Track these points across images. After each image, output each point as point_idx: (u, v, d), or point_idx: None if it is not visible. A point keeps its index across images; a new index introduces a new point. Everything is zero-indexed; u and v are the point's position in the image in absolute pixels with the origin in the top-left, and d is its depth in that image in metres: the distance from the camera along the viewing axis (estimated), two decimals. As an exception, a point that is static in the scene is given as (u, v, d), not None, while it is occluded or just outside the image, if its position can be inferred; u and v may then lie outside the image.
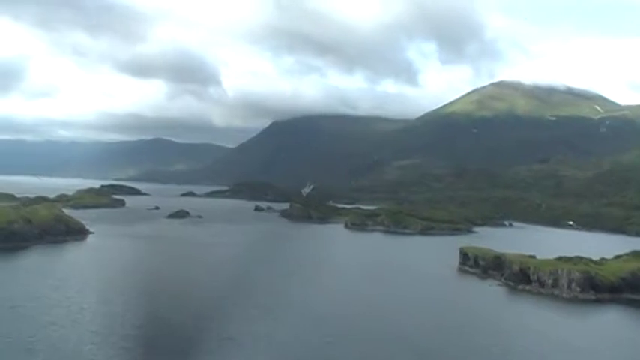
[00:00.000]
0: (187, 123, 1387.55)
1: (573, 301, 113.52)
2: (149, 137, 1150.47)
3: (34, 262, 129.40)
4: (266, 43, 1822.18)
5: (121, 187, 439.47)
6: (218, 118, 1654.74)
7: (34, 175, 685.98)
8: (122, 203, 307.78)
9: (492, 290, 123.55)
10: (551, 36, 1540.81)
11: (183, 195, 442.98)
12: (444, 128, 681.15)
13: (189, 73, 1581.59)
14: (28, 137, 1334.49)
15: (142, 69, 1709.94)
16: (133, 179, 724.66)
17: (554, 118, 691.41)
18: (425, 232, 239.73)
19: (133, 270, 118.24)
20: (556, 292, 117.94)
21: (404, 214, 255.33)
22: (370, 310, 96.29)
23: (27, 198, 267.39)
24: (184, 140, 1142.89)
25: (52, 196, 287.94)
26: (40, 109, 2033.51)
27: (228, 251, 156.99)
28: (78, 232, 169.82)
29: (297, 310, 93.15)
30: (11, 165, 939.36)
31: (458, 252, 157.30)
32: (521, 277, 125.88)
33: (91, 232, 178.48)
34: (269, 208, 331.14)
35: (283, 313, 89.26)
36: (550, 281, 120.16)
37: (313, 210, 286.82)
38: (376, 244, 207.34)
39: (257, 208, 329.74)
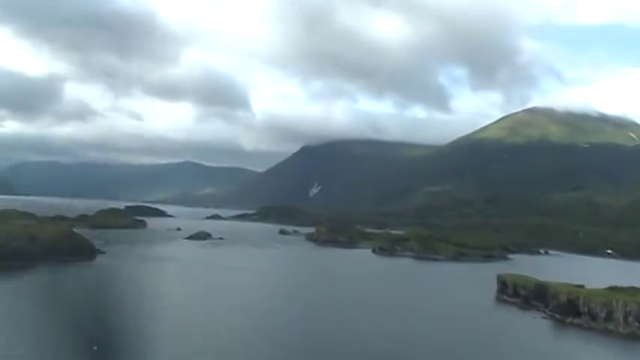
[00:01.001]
0: (217, 146, 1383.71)
1: (632, 337, 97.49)
2: (179, 160, 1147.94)
3: (25, 283, 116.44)
4: (295, 66, 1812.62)
5: (146, 208, 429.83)
6: (247, 141, 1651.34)
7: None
8: (143, 224, 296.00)
9: (537, 323, 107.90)
10: (584, 63, 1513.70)
11: (209, 217, 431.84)
12: (474, 154, 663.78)
13: (218, 96, 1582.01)
14: (61, 159, 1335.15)
15: (171, 92, 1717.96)
16: (162, 202, 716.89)
17: (587, 146, 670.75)
18: (456, 258, 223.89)
19: (131, 296, 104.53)
20: (610, 326, 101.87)
21: (434, 239, 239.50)
22: (405, 347, 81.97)
23: (46, 217, 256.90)
24: (214, 164, 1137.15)
25: (73, 216, 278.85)
26: (72, 131, 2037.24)
27: (242, 276, 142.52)
28: (86, 252, 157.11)
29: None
30: (45, 186, 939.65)
31: (494, 280, 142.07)
32: (568, 308, 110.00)
33: (102, 253, 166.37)
34: (295, 232, 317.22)
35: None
36: (603, 314, 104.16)
37: (340, 234, 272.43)
38: (406, 270, 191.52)
39: (282, 232, 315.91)
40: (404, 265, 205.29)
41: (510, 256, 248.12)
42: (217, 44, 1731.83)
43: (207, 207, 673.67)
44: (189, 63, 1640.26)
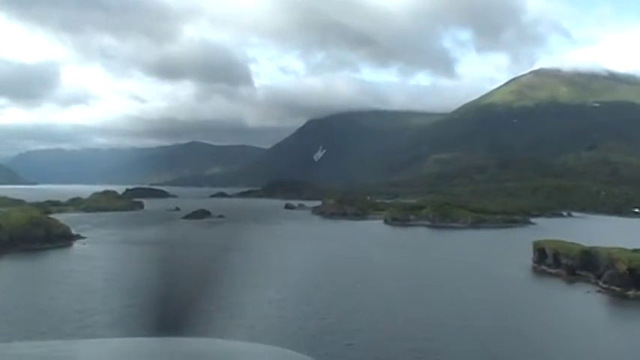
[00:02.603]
0: (221, 125, 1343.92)
1: None
2: (185, 141, 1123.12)
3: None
4: (295, 38, 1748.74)
5: (147, 189, 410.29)
6: (251, 118, 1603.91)
7: None
8: (140, 205, 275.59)
9: (591, 299, 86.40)
10: (590, 20, 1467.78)
11: (213, 196, 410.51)
12: (483, 120, 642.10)
13: (219, 72, 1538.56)
14: (66, 146, 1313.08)
15: (171, 70, 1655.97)
16: (169, 184, 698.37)
17: (597, 105, 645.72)
18: (476, 225, 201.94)
19: (93, 288, 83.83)
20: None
21: (451, 206, 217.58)
22: (434, 343, 60.67)
23: (35, 203, 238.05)
24: (220, 142, 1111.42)
25: (65, 200, 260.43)
26: (75, 117, 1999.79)
27: (236, 257, 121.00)
28: (61, 238, 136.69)
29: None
30: (52, 174, 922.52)
31: (524, 247, 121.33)
32: (629, 279, 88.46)
33: (82, 238, 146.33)
34: (301, 205, 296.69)
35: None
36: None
37: (348, 205, 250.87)
38: (423, 240, 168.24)
39: (288, 206, 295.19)
40: (420, 234, 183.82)
41: (533, 220, 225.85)
42: (215, 19, 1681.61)
43: (214, 186, 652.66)
44: (187, 40, 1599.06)
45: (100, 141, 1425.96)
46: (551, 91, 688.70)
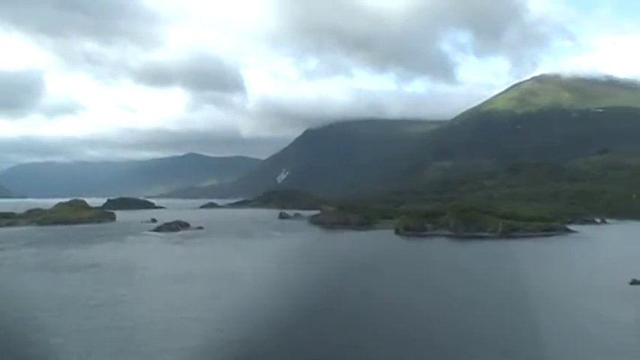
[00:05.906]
0: (215, 135, 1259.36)
1: None
2: (181, 153, 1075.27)
3: None
4: (290, 44, 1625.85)
5: (131, 200, 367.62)
6: (245, 128, 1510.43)
7: None
8: (112, 217, 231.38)
9: None
10: (591, 22, 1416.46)
11: (203, 207, 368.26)
12: (484, 126, 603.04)
13: (210, 79, 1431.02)
14: (57, 159, 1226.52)
15: (160, 77, 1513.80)
16: (164, 196, 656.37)
17: (601, 110, 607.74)
18: (508, 234, 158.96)
19: None
20: None
21: (477, 212, 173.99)
22: None
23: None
24: (216, 154, 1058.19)
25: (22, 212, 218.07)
26: (64, 128, 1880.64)
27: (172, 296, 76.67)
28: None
29: None
30: (44, 188, 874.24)
31: (598, 266, 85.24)
32: None
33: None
34: (296, 215, 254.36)
35: None
36: None
37: (351, 213, 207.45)
38: (455, 258, 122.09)
39: (282, 216, 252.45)
40: (447, 249, 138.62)
41: (571, 228, 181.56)
42: (205, 23, 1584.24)
43: (210, 198, 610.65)
44: (176, 45, 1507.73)
45: (92, 153, 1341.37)
46: (553, 97, 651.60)
